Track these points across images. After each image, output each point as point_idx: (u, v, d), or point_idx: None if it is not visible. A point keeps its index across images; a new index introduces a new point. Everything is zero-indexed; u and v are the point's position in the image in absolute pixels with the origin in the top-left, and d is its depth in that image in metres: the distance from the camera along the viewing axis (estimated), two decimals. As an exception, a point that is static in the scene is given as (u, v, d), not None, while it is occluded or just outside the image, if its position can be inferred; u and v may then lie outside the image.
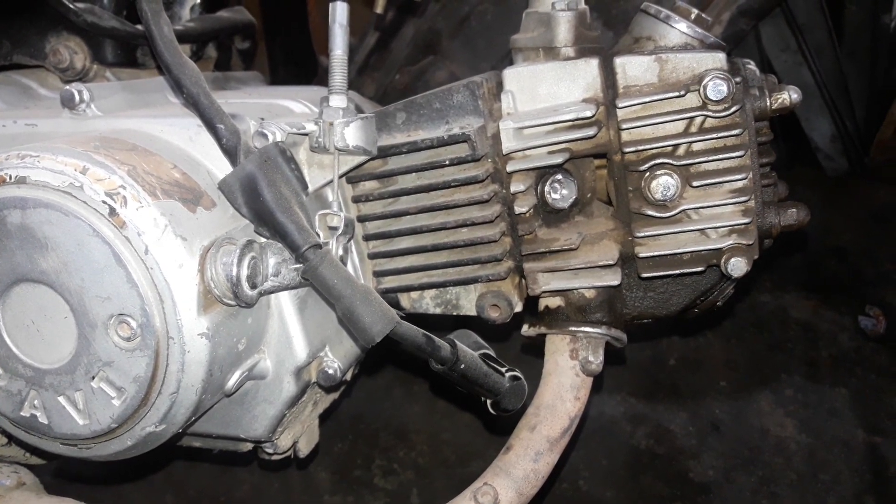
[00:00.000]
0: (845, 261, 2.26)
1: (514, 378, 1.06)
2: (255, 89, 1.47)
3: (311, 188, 0.99)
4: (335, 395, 1.18)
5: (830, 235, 2.32)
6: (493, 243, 1.08)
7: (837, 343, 1.98)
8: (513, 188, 1.04)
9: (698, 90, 0.96)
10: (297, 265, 0.88)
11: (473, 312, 1.14)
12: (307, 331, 0.99)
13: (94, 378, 0.87)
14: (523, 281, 1.11)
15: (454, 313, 1.16)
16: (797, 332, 2.02)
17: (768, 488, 1.62)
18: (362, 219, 1.13)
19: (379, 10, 1.31)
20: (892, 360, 1.90)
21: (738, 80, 0.97)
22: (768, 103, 1.01)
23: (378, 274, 1.16)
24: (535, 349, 1.14)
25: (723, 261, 1.01)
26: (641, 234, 1.03)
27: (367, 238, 1.14)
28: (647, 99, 0.98)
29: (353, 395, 1.87)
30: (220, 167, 0.93)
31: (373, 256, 1.15)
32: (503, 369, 1.06)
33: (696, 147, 0.99)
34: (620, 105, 0.99)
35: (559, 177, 1.08)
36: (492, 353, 1.08)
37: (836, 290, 2.14)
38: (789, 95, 1.01)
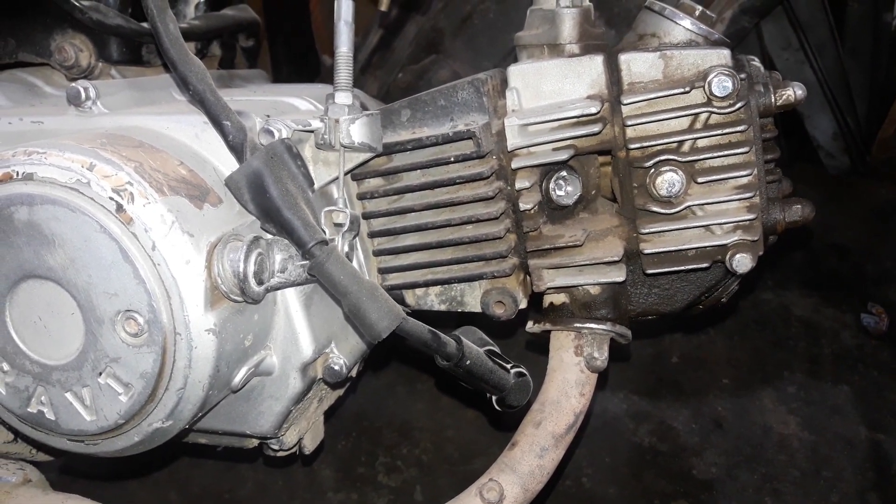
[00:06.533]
0: (847, 259, 2.26)
1: (519, 374, 1.07)
2: (260, 87, 1.47)
3: (316, 185, 0.99)
4: (340, 392, 1.18)
5: (832, 233, 2.32)
6: (498, 240, 1.08)
7: (840, 340, 1.98)
8: (518, 185, 1.04)
9: (703, 86, 0.96)
10: (304, 261, 0.88)
11: (478, 309, 1.15)
12: (313, 327, 0.99)
13: (101, 374, 0.87)
14: (528, 277, 1.12)
15: (459, 310, 1.16)
16: (800, 329, 2.02)
17: (771, 485, 1.62)
18: (367, 216, 1.13)
19: (384, 7, 1.31)
20: (895, 358, 1.90)
21: (742, 76, 0.97)
22: (773, 99, 1.01)
23: (383, 271, 1.16)
24: (540, 346, 1.14)
25: (727, 257, 1.01)
26: (646, 231, 1.03)
27: (372, 235, 1.14)
28: (652, 95, 0.99)
29: (357, 393, 1.87)
30: (227, 164, 0.93)
31: (378, 253, 1.15)
32: (508, 365, 1.06)
33: (700, 143, 1.00)
34: (625, 101, 1.00)
35: (564, 173, 1.09)
36: (497, 349, 1.08)
37: (839, 288, 2.14)
38: (794, 91, 1.02)
